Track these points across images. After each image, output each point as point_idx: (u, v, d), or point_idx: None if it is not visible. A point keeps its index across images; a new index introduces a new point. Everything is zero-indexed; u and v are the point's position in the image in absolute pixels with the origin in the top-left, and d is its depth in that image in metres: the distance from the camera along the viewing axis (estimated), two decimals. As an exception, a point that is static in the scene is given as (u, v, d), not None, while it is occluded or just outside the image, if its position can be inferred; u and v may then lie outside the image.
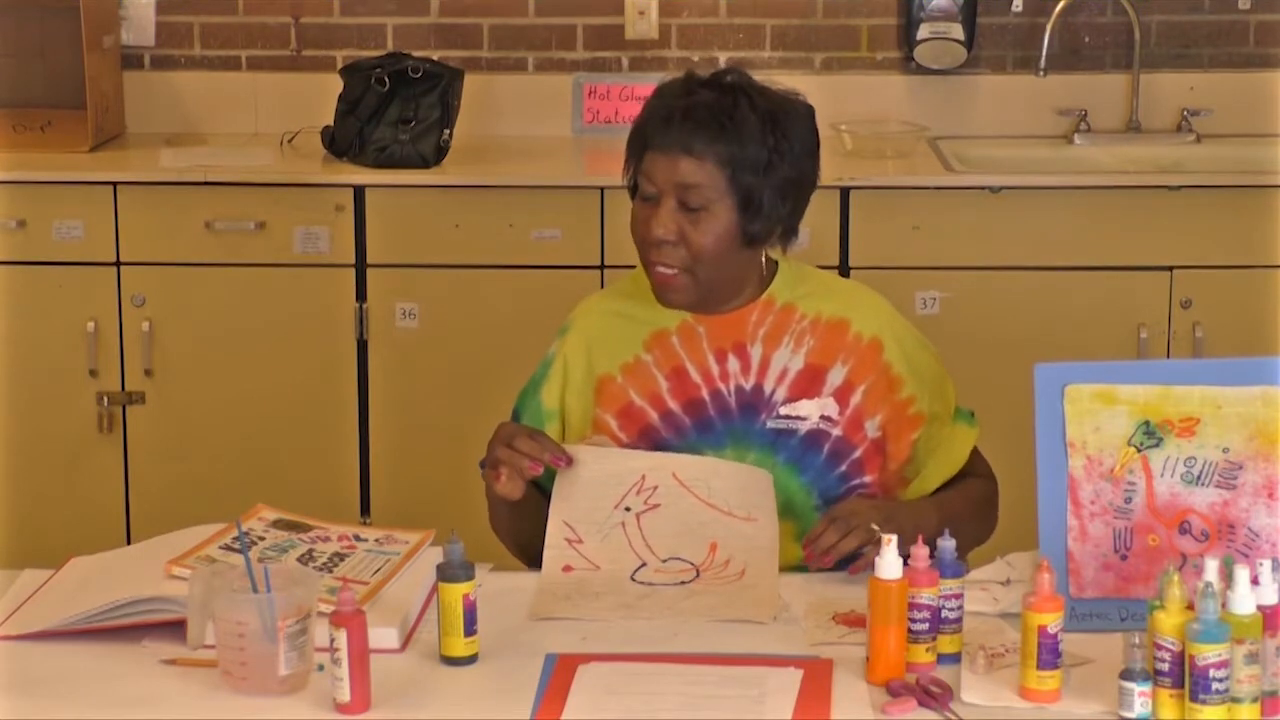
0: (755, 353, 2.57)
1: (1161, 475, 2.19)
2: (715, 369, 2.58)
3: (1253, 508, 2.18)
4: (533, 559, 2.49)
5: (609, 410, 2.58)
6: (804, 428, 2.55)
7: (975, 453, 2.67)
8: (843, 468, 2.56)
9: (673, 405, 2.57)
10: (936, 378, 2.64)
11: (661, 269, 2.52)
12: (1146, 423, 2.20)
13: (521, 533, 2.55)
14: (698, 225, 2.50)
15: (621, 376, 2.59)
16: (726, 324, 2.58)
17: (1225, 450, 2.18)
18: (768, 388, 2.56)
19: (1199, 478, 2.19)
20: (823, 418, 2.56)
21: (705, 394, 2.57)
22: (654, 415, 2.57)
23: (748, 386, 2.57)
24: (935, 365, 2.65)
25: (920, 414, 2.59)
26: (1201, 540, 2.19)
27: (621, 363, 2.59)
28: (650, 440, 2.56)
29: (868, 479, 2.57)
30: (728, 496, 2.42)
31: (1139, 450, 2.20)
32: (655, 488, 2.43)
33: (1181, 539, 2.19)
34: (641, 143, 2.54)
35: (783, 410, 2.56)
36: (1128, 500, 2.20)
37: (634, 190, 2.56)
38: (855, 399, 2.57)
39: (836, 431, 2.56)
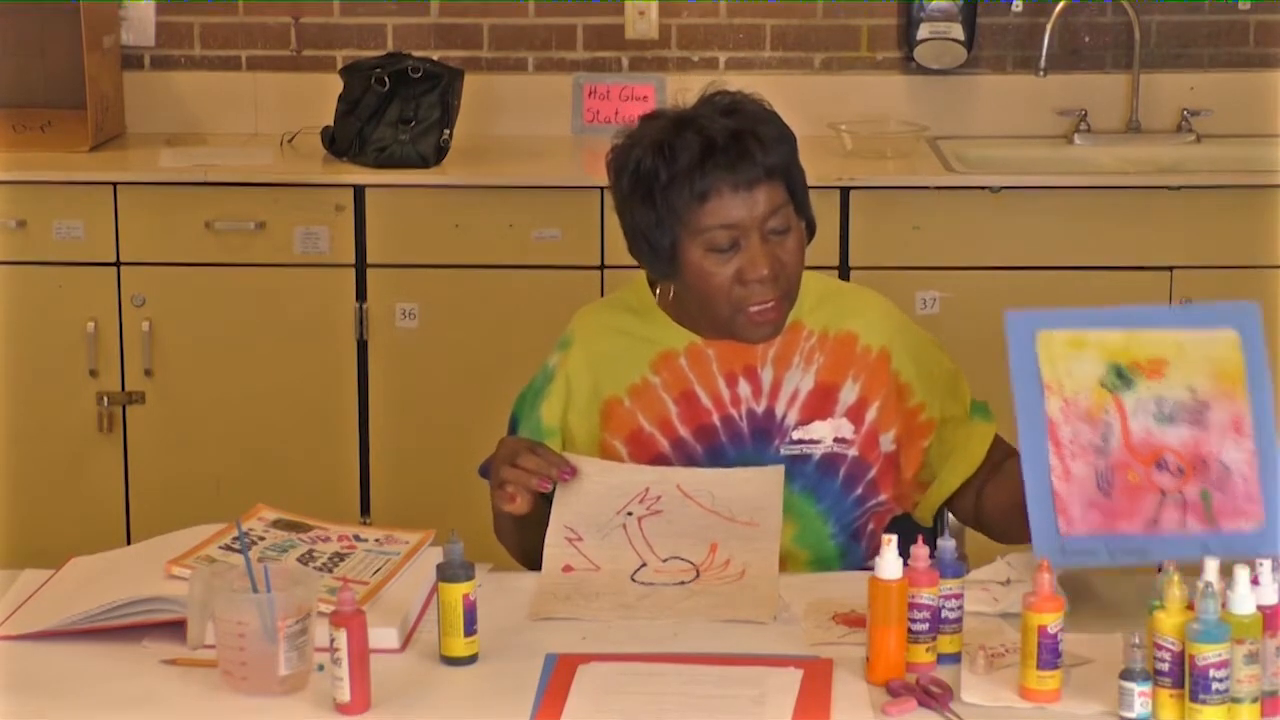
0: (766, 376, 2.52)
1: (1135, 415, 2.23)
2: (726, 393, 2.52)
3: (1222, 443, 2.21)
4: (538, 566, 2.44)
5: (617, 435, 2.53)
6: (818, 451, 2.52)
7: (1002, 441, 2.56)
8: (859, 490, 2.53)
9: (683, 432, 2.52)
10: (948, 377, 2.57)
11: (762, 308, 2.43)
12: (1117, 366, 2.23)
13: (525, 541, 2.51)
14: (785, 246, 2.43)
15: (629, 400, 2.53)
16: (736, 347, 2.51)
17: (1192, 390, 2.22)
18: (779, 411, 2.51)
19: (1170, 416, 2.22)
20: (837, 440, 2.52)
21: (716, 419, 2.52)
22: (665, 444, 2.52)
23: (759, 410, 2.52)
24: (946, 364, 2.58)
25: (931, 420, 2.54)
26: (1178, 475, 2.21)
27: (629, 385, 2.53)
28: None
29: (883, 497, 2.54)
30: (731, 504, 2.41)
31: (1111, 392, 2.22)
32: (659, 498, 2.42)
33: (1159, 475, 2.22)
34: (681, 201, 2.39)
35: (795, 435, 2.51)
36: (1105, 440, 2.23)
37: (673, 249, 2.43)
38: (870, 416, 2.52)
39: (852, 452, 2.52)
